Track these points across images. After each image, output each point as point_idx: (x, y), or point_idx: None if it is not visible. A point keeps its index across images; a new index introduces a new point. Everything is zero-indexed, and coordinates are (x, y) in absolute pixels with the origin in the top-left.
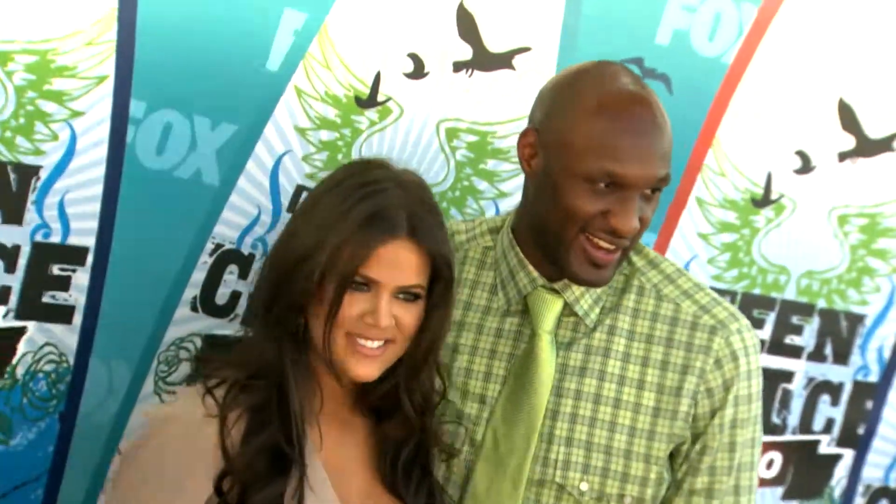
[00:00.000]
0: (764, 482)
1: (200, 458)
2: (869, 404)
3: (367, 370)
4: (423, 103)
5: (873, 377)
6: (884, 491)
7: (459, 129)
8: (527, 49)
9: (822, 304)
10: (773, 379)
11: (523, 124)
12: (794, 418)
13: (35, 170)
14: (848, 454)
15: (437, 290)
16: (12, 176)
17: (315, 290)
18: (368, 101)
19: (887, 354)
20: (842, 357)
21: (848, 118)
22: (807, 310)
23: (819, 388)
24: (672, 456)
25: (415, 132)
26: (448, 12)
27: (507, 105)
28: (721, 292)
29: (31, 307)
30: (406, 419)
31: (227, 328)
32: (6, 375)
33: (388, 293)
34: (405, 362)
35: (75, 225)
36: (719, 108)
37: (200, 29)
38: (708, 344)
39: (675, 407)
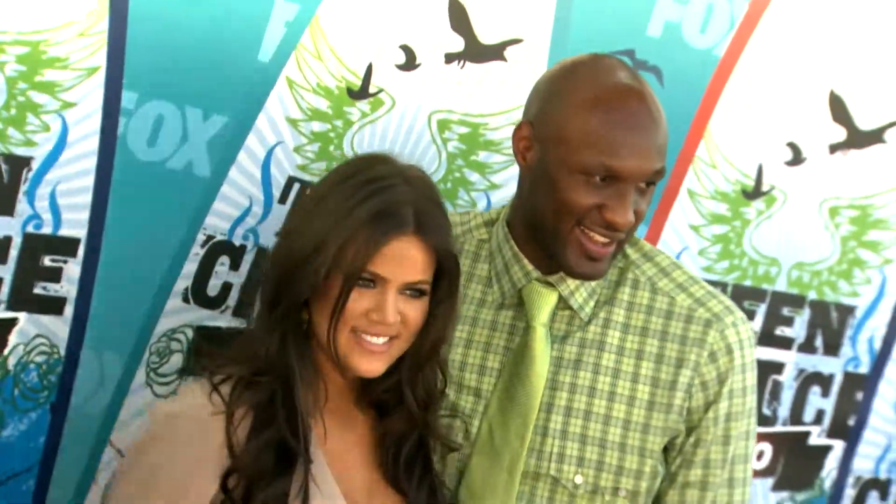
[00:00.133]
0: (754, 473)
1: (208, 457)
2: (859, 396)
3: (371, 366)
4: (415, 95)
5: (864, 368)
6: (874, 482)
7: (451, 121)
8: (519, 41)
9: (812, 295)
10: (764, 370)
11: (515, 116)
12: (784, 409)
13: (26, 161)
14: (838, 445)
15: (442, 286)
16: (4, 167)
17: (320, 285)
18: (360, 92)
19: (878, 346)
20: (832, 348)
21: (839, 110)
22: (797, 301)
23: (809, 379)
24: (666, 449)
25: (406, 124)
26: (440, 4)
27: (498, 97)
28: (712, 284)
29: (22, 298)
30: (409, 414)
31: (219, 319)
32: None
33: (394, 289)
34: (409, 357)
35: (67, 216)
36: (711, 101)
37: (192, 20)
38: (703, 337)
39: (669, 400)
